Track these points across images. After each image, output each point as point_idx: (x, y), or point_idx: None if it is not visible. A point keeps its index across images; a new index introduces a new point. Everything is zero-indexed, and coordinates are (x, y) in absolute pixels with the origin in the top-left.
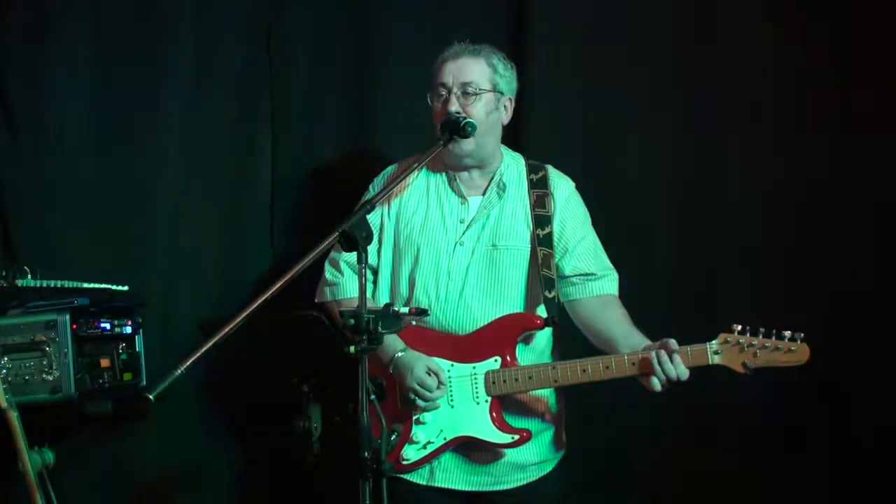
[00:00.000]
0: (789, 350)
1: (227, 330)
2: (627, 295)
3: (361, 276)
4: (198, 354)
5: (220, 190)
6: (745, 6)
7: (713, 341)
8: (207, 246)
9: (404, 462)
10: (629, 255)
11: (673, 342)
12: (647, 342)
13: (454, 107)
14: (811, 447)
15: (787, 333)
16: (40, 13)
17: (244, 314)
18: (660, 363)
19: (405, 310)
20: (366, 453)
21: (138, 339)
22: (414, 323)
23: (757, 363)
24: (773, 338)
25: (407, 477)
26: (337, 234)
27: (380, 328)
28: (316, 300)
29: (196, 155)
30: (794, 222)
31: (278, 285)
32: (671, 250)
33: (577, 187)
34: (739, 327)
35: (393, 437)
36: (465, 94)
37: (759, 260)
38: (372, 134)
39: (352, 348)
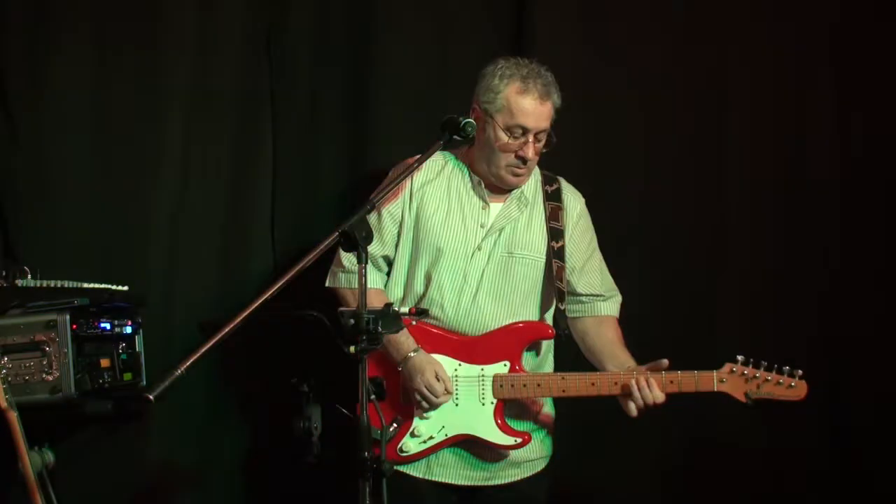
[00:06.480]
0: (790, 386)
1: (227, 330)
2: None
3: (361, 276)
4: (198, 354)
5: (220, 189)
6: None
7: (721, 369)
8: (207, 246)
9: (403, 454)
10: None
11: (664, 362)
12: (633, 364)
13: (531, 153)
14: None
15: (787, 369)
16: (41, 13)
17: (244, 314)
18: (638, 388)
19: (405, 310)
20: (366, 453)
21: (138, 339)
22: (414, 323)
23: (760, 395)
24: (775, 372)
25: (403, 469)
26: (337, 233)
27: (380, 328)
28: (327, 284)
29: (196, 155)
30: (796, 230)
31: (278, 285)
32: (671, 258)
33: (587, 203)
34: (742, 358)
35: (392, 428)
36: (539, 140)
37: (758, 274)
38: (373, 135)
39: (352, 348)
